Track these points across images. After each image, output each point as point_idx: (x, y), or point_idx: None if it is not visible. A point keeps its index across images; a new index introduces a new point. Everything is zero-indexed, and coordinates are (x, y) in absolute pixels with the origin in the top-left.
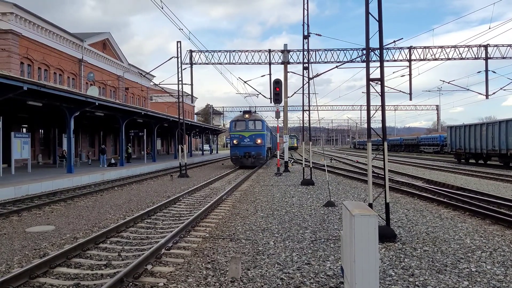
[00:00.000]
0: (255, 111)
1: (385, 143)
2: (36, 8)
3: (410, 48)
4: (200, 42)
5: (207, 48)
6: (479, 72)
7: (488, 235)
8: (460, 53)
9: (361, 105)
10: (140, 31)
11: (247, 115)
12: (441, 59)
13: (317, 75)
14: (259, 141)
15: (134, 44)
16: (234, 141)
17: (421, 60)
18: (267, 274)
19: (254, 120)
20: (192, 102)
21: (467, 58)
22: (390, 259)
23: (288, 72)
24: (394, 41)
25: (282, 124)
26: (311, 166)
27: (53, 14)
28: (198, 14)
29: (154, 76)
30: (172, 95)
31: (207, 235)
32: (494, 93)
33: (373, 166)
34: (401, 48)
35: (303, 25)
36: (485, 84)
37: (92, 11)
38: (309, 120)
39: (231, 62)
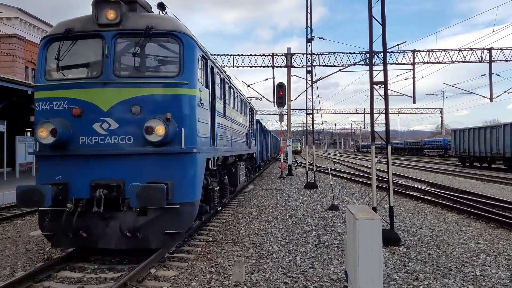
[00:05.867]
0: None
1: (389, 147)
2: (48, 13)
3: (413, 51)
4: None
5: (211, 52)
6: (483, 75)
7: (493, 239)
8: (464, 56)
9: (364, 108)
10: None
11: (111, 14)
12: (445, 62)
13: (320, 79)
14: (160, 129)
15: None
16: (41, 134)
17: (424, 63)
18: (271, 278)
19: (150, 30)
20: None
21: (471, 61)
22: (394, 263)
23: (291, 75)
24: (398, 44)
25: (286, 128)
26: (314, 170)
27: (67, 17)
28: (211, 18)
29: None
30: None
31: (211, 238)
32: (498, 96)
33: (376, 169)
34: (404, 51)
35: (306, 28)
36: (489, 87)
37: None
38: (313, 123)
39: (234, 65)
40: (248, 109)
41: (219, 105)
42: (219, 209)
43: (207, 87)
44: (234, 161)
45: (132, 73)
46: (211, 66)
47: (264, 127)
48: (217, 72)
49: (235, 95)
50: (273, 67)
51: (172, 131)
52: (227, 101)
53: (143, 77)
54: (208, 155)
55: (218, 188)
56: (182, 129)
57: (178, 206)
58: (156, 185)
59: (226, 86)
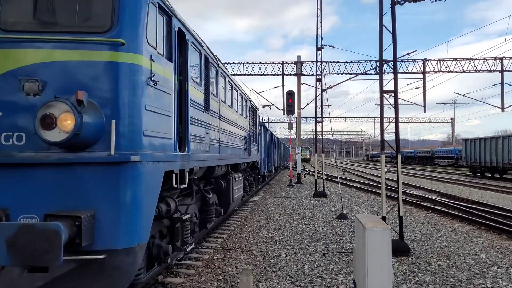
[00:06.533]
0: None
1: (399, 156)
2: None
3: (424, 60)
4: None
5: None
6: (494, 84)
7: (504, 251)
8: (475, 66)
9: (374, 117)
10: None
11: None
12: (456, 72)
13: (330, 87)
14: (67, 119)
15: None
16: None
17: (435, 72)
18: (279, 286)
19: None
20: None
21: (482, 71)
22: (403, 274)
23: (301, 83)
24: (408, 53)
25: (295, 136)
26: (323, 178)
27: None
28: (223, 26)
29: None
30: None
31: (219, 246)
32: (510, 106)
33: (386, 178)
34: (415, 60)
35: (317, 37)
36: (501, 97)
37: None
38: (322, 132)
39: (244, 73)
40: (248, 107)
41: (196, 93)
42: (188, 249)
43: (170, 60)
44: (226, 172)
45: (31, 24)
46: (179, 28)
47: (270, 132)
48: (192, 43)
49: (228, 86)
50: (283, 75)
51: (93, 124)
52: (212, 91)
53: (48, 32)
54: (171, 165)
55: (193, 214)
56: (113, 121)
57: (103, 256)
58: (46, 224)
59: (212, 70)
